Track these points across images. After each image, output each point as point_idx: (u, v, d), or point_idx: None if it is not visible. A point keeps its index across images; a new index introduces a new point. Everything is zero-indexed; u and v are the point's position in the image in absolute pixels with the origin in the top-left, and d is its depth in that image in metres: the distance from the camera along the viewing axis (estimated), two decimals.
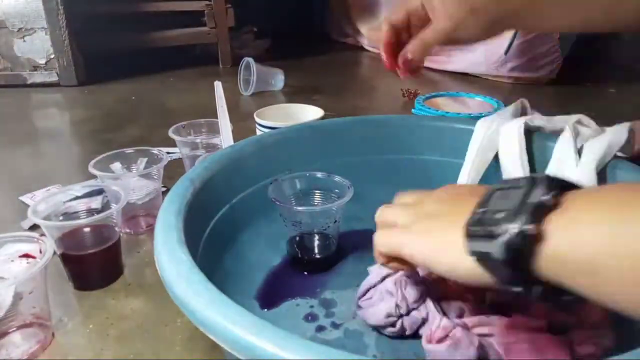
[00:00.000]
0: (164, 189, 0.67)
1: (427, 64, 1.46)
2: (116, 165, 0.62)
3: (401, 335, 0.40)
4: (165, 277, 0.33)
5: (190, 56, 1.63)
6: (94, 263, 0.51)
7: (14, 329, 0.42)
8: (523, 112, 0.57)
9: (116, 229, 0.51)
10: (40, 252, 0.44)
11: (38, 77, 1.31)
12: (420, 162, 0.57)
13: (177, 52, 1.55)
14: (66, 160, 0.85)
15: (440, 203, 0.34)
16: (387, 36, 0.52)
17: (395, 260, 0.36)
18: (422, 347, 0.37)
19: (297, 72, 1.41)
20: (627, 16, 0.49)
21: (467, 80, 1.32)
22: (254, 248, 0.51)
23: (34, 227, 0.60)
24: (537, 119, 0.54)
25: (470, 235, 0.28)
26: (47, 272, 0.43)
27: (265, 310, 0.45)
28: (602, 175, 0.46)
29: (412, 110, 1.00)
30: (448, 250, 0.30)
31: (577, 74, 1.27)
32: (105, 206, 0.54)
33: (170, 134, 0.69)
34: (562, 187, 0.26)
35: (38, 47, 1.29)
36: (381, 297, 0.41)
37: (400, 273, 0.42)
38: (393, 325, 0.40)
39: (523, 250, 0.25)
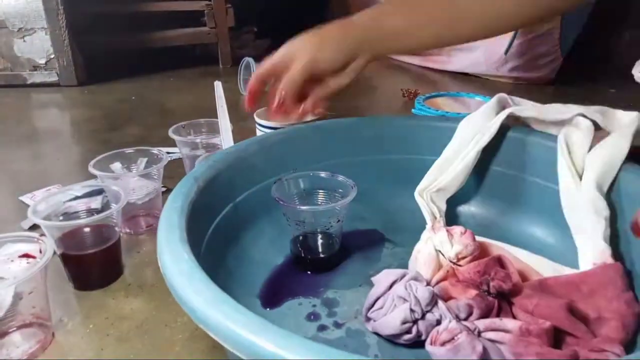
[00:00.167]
0: (164, 189, 0.66)
1: (427, 64, 1.47)
2: (116, 165, 0.62)
3: (417, 342, 0.39)
4: (167, 275, 0.33)
5: (190, 56, 1.63)
6: (94, 263, 0.51)
7: (14, 329, 0.42)
8: (504, 106, 0.56)
9: (116, 229, 0.51)
10: (40, 252, 0.43)
11: (38, 77, 1.31)
12: (423, 162, 0.57)
13: (177, 52, 1.55)
14: (66, 160, 0.85)
15: None
16: (253, 84, 0.61)
17: None
18: (425, 348, 0.37)
19: None
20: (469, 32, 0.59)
21: (467, 80, 1.32)
22: (257, 247, 0.51)
23: (34, 227, 0.60)
24: (528, 109, 0.54)
25: None
26: (47, 272, 0.43)
27: (268, 309, 0.44)
28: (610, 190, 0.46)
29: (412, 110, 1.00)
30: None
31: (577, 74, 1.27)
32: (105, 206, 0.54)
33: (170, 133, 0.69)
34: None
35: (38, 47, 1.29)
36: (393, 304, 0.40)
37: (408, 276, 0.41)
38: (409, 331, 0.39)
39: None
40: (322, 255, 0.51)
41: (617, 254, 0.43)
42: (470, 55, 1.31)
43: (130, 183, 0.59)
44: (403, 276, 0.42)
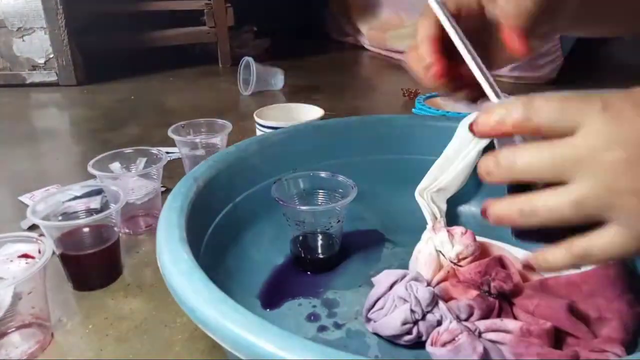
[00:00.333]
0: (163, 189, 0.66)
1: None
2: (115, 165, 0.62)
3: (417, 343, 0.39)
4: (166, 275, 0.33)
5: (190, 56, 1.63)
6: (93, 263, 0.51)
7: (13, 329, 0.42)
8: None
9: (115, 229, 0.51)
10: (39, 252, 0.43)
11: (37, 77, 1.31)
12: (423, 162, 0.57)
13: (177, 51, 1.55)
14: (65, 160, 0.85)
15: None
16: (432, 30, 0.41)
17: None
18: (426, 349, 0.37)
19: (297, 72, 1.41)
20: None
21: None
22: (257, 247, 0.51)
23: (33, 227, 0.60)
24: None
25: None
26: (46, 273, 0.43)
27: (268, 309, 0.44)
28: None
29: (413, 109, 1.00)
30: None
31: (577, 74, 1.26)
32: (105, 206, 0.54)
33: (170, 133, 0.68)
34: None
35: (37, 47, 1.28)
36: (393, 304, 0.40)
37: (408, 277, 0.41)
38: (409, 332, 0.39)
39: None
40: (322, 256, 0.51)
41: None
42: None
43: (129, 183, 0.59)
44: (403, 277, 0.41)
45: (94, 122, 1.04)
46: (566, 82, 1.24)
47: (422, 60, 0.44)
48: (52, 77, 1.31)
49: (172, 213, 0.39)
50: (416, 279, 0.41)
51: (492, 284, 0.40)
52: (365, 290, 0.46)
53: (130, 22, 1.47)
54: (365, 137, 0.60)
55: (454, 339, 0.35)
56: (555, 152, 0.27)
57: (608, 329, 0.37)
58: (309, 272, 0.50)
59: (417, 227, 0.51)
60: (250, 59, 1.18)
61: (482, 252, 0.46)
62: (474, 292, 0.40)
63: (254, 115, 0.75)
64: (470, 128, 0.31)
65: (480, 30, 0.42)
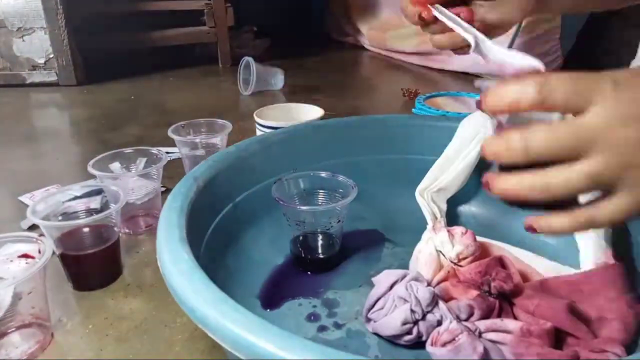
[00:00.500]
0: (163, 189, 0.66)
1: (427, 63, 1.47)
2: (115, 165, 0.62)
3: (417, 343, 0.39)
4: (166, 275, 0.33)
5: (190, 56, 1.63)
6: (93, 263, 0.51)
7: (13, 329, 0.41)
8: None
9: (115, 229, 0.51)
10: (39, 252, 0.43)
11: (37, 77, 1.31)
12: (423, 162, 0.57)
13: (177, 51, 1.55)
14: (65, 160, 0.85)
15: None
16: None
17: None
18: (426, 349, 0.37)
19: (297, 72, 1.41)
20: None
21: (468, 79, 1.32)
22: (257, 247, 0.51)
23: (33, 227, 0.60)
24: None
25: None
26: (46, 273, 0.43)
27: (268, 310, 0.44)
28: None
29: (413, 109, 1.00)
30: None
31: None
32: (105, 206, 0.53)
33: (170, 133, 0.68)
34: None
35: (37, 47, 1.28)
36: (393, 304, 0.40)
37: (408, 277, 0.41)
38: (409, 332, 0.39)
39: None
40: (322, 256, 0.51)
41: (618, 254, 0.43)
42: (471, 55, 1.31)
43: (129, 183, 0.59)
44: (404, 277, 0.41)
45: (94, 122, 1.04)
46: None
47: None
48: (52, 77, 1.31)
49: (172, 213, 0.39)
50: (416, 279, 0.41)
51: (493, 284, 0.40)
52: (365, 290, 0.46)
53: (130, 22, 1.47)
54: (365, 137, 0.60)
55: (454, 339, 0.35)
56: (570, 131, 0.28)
57: (608, 329, 0.37)
58: (309, 272, 0.50)
59: (417, 227, 0.51)
60: (250, 59, 1.18)
61: (482, 252, 0.46)
62: (474, 292, 0.40)
63: (254, 115, 0.75)
64: (480, 104, 0.30)
65: None
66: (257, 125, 0.74)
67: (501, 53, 0.43)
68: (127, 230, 0.60)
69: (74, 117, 1.10)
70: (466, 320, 0.39)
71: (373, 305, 0.41)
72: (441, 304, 0.39)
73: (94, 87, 1.32)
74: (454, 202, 0.56)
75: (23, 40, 1.28)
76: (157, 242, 0.36)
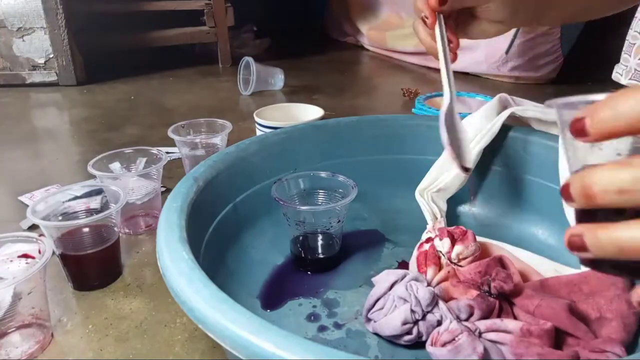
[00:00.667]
0: (163, 189, 0.66)
1: (427, 63, 1.47)
2: (115, 165, 0.62)
3: (417, 343, 0.39)
4: (166, 275, 0.33)
5: (190, 55, 1.63)
6: (93, 263, 0.51)
7: (13, 329, 0.41)
8: (505, 106, 0.56)
9: (115, 229, 0.51)
10: (39, 252, 0.43)
11: (37, 77, 1.31)
12: (423, 162, 0.57)
13: (177, 51, 1.55)
14: (65, 160, 0.85)
15: None
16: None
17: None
18: (426, 349, 0.37)
19: (296, 72, 1.41)
20: None
21: (468, 79, 1.32)
22: (257, 247, 0.51)
23: (33, 227, 0.60)
24: (530, 110, 0.54)
25: None
26: (46, 273, 0.43)
27: (268, 310, 0.44)
28: None
29: (413, 109, 1.00)
30: None
31: (578, 74, 1.26)
32: (105, 206, 0.53)
33: (170, 133, 0.68)
34: None
35: (37, 47, 1.28)
36: (393, 304, 0.40)
37: (408, 277, 0.41)
38: (409, 332, 0.39)
39: None
40: (322, 256, 0.51)
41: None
42: (471, 55, 1.31)
43: (129, 183, 0.59)
44: (404, 277, 0.41)
45: (94, 122, 1.04)
46: (566, 82, 1.24)
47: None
48: (52, 77, 1.31)
49: (172, 213, 0.39)
50: (416, 279, 0.41)
51: (492, 284, 0.40)
52: (365, 290, 0.46)
53: (130, 22, 1.47)
54: (365, 137, 0.60)
55: (454, 339, 0.35)
56: None
57: (608, 329, 0.37)
58: (309, 272, 0.50)
59: (417, 227, 0.51)
60: (250, 59, 1.18)
61: (482, 252, 0.46)
62: (474, 292, 0.40)
63: (254, 115, 0.75)
64: (580, 128, 0.23)
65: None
66: (257, 125, 0.74)
67: (460, 123, 0.44)
68: (127, 230, 0.60)
69: (73, 117, 1.10)
70: (466, 320, 0.39)
71: (373, 305, 0.41)
72: (441, 304, 0.39)
73: (93, 87, 1.32)
74: (453, 202, 0.56)
75: (23, 40, 1.28)
76: (157, 242, 0.36)
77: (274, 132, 0.58)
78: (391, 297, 0.40)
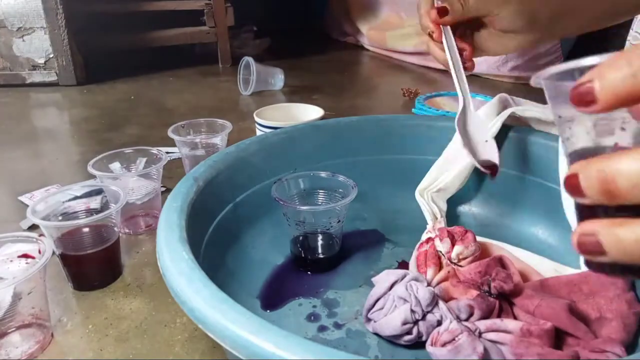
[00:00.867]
0: (163, 188, 0.66)
1: (427, 63, 1.47)
2: (115, 165, 0.62)
3: (417, 343, 0.39)
4: (166, 275, 0.33)
5: (190, 55, 1.63)
6: (93, 263, 0.50)
7: (13, 329, 0.41)
8: (505, 106, 0.56)
9: (115, 229, 0.51)
10: (39, 252, 0.43)
11: (37, 77, 1.31)
12: (423, 162, 0.57)
13: (177, 51, 1.55)
14: (65, 160, 0.85)
15: None
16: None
17: None
18: (426, 349, 0.37)
19: (296, 72, 1.41)
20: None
21: (468, 79, 1.32)
22: (257, 247, 0.51)
23: (33, 227, 0.60)
24: (530, 110, 0.54)
25: None
26: (46, 273, 0.43)
27: (268, 310, 0.44)
28: None
29: (413, 109, 1.00)
30: None
31: None
32: (105, 206, 0.54)
33: (170, 133, 0.68)
34: None
35: (37, 47, 1.28)
36: (393, 304, 0.40)
37: (408, 277, 0.41)
38: (409, 332, 0.39)
39: None
40: (322, 256, 0.51)
41: None
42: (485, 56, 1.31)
43: (129, 183, 0.59)
44: (404, 277, 0.41)
45: (94, 122, 1.04)
46: None
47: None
48: (52, 77, 1.31)
49: (172, 213, 0.39)
50: (416, 279, 0.41)
51: (492, 284, 0.40)
52: (365, 290, 0.46)
53: (130, 22, 1.47)
54: (365, 137, 0.60)
55: (454, 339, 0.35)
56: None
57: (608, 329, 0.37)
58: (309, 272, 0.50)
59: (417, 227, 0.51)
60: (250, 59, 1.18)
61: (482, 252, 0.46)
62: (474, 292, 0.40)
63: (254, 115, 0.75)
64: (586, 94, 0.20)
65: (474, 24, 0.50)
66: (257, 125, 0.75)
67: (480, 125, 0.45)
68: (127, 230, 0.60)
69: (73, 117, 1.10)
70: (466, 320, 0.39)
71: (373, 305, 0.41)
72: (441, 304, 0.39)
73: (93, 87, 1.32)
74: (453, 202, 0.56)
75: (23, 40, 1.28)
76: (157, 242, 0.36)
77: (274, 132, 0.58)
78: (391, 297, 0.40)
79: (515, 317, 0.40)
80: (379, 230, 0.56)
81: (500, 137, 0.54)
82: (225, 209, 0.49)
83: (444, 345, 0.35)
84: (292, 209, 0.49)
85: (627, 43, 0.85)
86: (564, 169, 0.48)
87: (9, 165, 0.82)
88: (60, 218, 0.50)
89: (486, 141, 0.45)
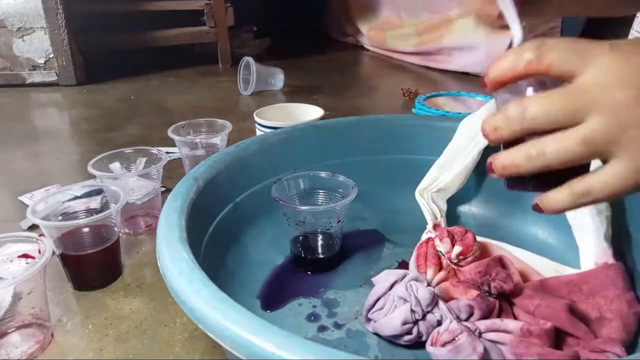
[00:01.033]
0: (163, 188, 0.66)
1: (427, 63, 1.47)
2: (115, 165, 0.62)
3: (417, 343, 0.39)
4: (166, 275, 0.33)
5: (190, 55, 1.63)
6: (93, 263, 0.50)
7: (13, 329, 0.41)
8: None
9: (115, 229, 0.51)
10: (39, 252, 0.43)
11: (37, 77, 1.31)
12: (423, 162, 0.57)
13: (177, 51, 1.55)
14: (65, 160, 0.85)
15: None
16: None
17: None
18: (426, 349, 0.37)
19: (296, 72, 1.41)
20: None
21: (468, 79, 1.32)
22: (257, 247, 0.51)
23: (33, 227, 0.60)
24: None
25: None
26: (46, 273, 0.43)
27: (268, 310, 0.44)
28: None
29: (413, 109, 1.00)
30: None
31: None
32: (105, 206, 0.53)
33: (170, 133, 0.68)
34: None
35: (37, 47, 1.28)
36: (393, 304, 0.40)
37: (409, 277, 0.41)
38: (409, 332, 0.39)
39: None
40: (322, 256, 0.51)
41: (618, 254, 0.43)
42: (471, 55, 1.31)
43: (129, 183, 0.59)
44: (404, 277, 0.41)
45: (94, 122, 1.04)
46: None
47: None
48: (52, 77, 1.31)
49: (172, 213, 0.39)
50: (416, 279, 0.41)
51: (492, 284, 0.40)
52: (365, 290, 0.46)
53: (130, 22, 1.47)
54: (365, 137, 0.60)
55: (454, 339, 0.35)
56: (565, 94, 0.27)
57: (608, 329, 0.37)
58: (309, 272, 0.50)
59: (417, 227, 0.51)
60: (250, 59, 1.18)
61: (482, 252, 0.46)
62: (474, 292, 0.40)
63: (254, 115, 0.75)
64: (483, 82, 0.30)
65: None
66: (257, 125, 0.74)
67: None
68: (127, 230, 0.60)
69: (73, 117, 1.10)
70: (466, 320, 0.39)
71: (373, 305, 0.41)
72: (441, 304, 0.39)
73: (94, 87, 1.32)
74: (454, 202, 0.56)
75: (23, 40, 1.28)
76: (157, 242, 0.36)
77: (274, 132, 0.58)
78: (391, 297, 0.40)
79: (515, 317, 0.40)
80: (379, 230, 0.56)
81: None
82: (225, 209, 0.49)
83: (444, 345, 0.35)
84: (292, 209, 0.49)
85: None
86: None
87: (9, 165, 0.82)
88: (60, 218, 0.50)
89: None
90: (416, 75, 1.43)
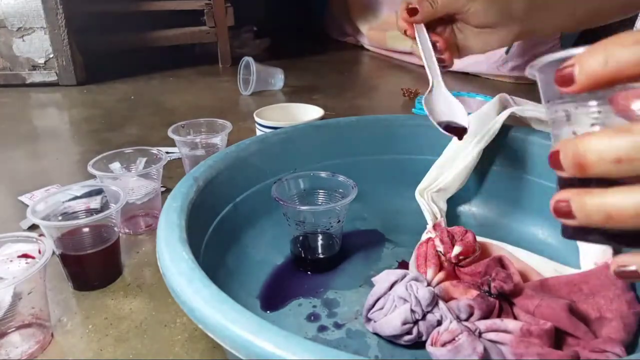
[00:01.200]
0: (163, 188, 0.66)
1: None
2: (115, 165, 0.62)
3: (417, 343, 0.39)
4: (166, 275, 0.33)
5: (190, 55, 1.63)
6: (93, 263, 0.50)
7: (13, 329, 0.41)
8: (505, 106, 0.56)
9: (115, 229, 0.51)
10: (39, 252, 0.43)
11: (37, 77, 1.31)
12: (423, 162, 0.57)
13: (177, 51, 1.55)
14: (65, 160, 0.85)
15: None
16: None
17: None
18: (426, 349, 0.37)
19: (297, 72, 1.41)
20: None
21: (468, 79, 1.32)
22: (257, 247, 0.51)
23: (33, 227, 0.60)
24: (530, 110, 0.54)
25: None
26: (46, 273, 0.43)
27: (268, 310, 0.44)
28: None
29: (413, 109, 1.00)
30: None
31: None
32: (105, 206, 0.54)
33: (170, 133, 0.68)
34: None
35: (37, 47, 1.28)
36: (393, 304, 0.40)
37: (409, 277, 0.41)
38: (409, 332, 0.38)
39: None
40: (322, 256, 0.51)
41: (618, 254, 0.43)
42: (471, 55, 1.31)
43: (129, 183, 0.59)
44: (404, 276, 0.41)
45: (94, 122, 1.04)
46: None
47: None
48: (52, 77, 1.31)
49: (172, 213, 0.39)
50: (416, 279, 0.41)
51: (492, 284, 0.40)
52: (365, 290, 0.46)
53: (130, 22, 1.47)
54: (365, 137, 0.60)
55: (454, 339, 0.35)
56: None
57: (608, 329, 0.37)
58: (309, 272, 0.50)
59: (417, 227, 0.51)
60: (250, 59, 1.18)
61: (482, 252, 0.46)
62: (474, 292, 0.40)
63: (254, 115, 0.75)
64: (567, 75, 0.23)
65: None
66: (257, 125, 0.74)
67: (447, 102, 0.46)
68: (127, 230, 0.60)
69: (73, 117, 1.10)
70: (466, 320, 0.39)
71: (373, 305, 0.41)
72: (441, 304, 0.39)
73: (94, 87, 1.32)
74: (454, 202, 0.56)
75: (23, 40, 1.28)
76: (157, 242, 0.36)
77: (274, 132, 0.58)
78: (391, 297, 0.40)
79: (515, 317, 0.40)
80: (379, 230, 0.56)
81: (500, 137, 0.54)
82: (225, 209, 0.49)
83: (444, 345, 0.36)
84: (292, 209, 0.49)
85: None
86: None
87: (9, 165, 0.82)
88: (60, 218, 0.51)
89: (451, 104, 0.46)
90: (416, 75, 1.43)
